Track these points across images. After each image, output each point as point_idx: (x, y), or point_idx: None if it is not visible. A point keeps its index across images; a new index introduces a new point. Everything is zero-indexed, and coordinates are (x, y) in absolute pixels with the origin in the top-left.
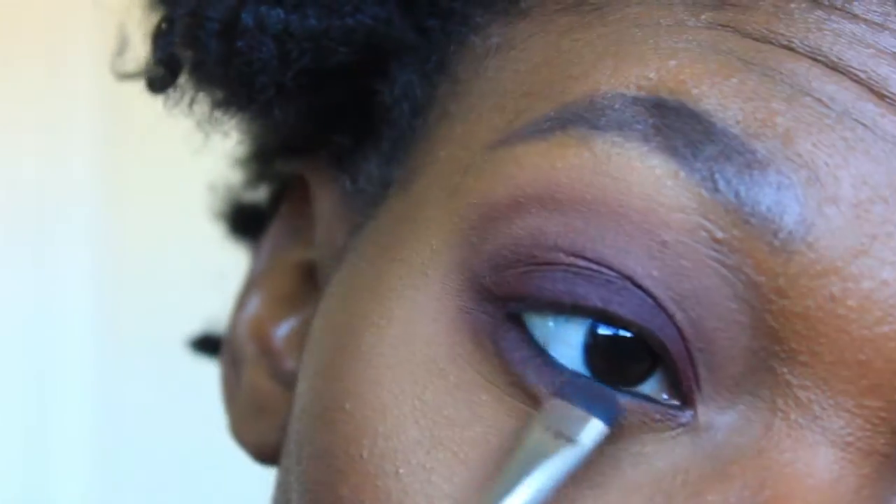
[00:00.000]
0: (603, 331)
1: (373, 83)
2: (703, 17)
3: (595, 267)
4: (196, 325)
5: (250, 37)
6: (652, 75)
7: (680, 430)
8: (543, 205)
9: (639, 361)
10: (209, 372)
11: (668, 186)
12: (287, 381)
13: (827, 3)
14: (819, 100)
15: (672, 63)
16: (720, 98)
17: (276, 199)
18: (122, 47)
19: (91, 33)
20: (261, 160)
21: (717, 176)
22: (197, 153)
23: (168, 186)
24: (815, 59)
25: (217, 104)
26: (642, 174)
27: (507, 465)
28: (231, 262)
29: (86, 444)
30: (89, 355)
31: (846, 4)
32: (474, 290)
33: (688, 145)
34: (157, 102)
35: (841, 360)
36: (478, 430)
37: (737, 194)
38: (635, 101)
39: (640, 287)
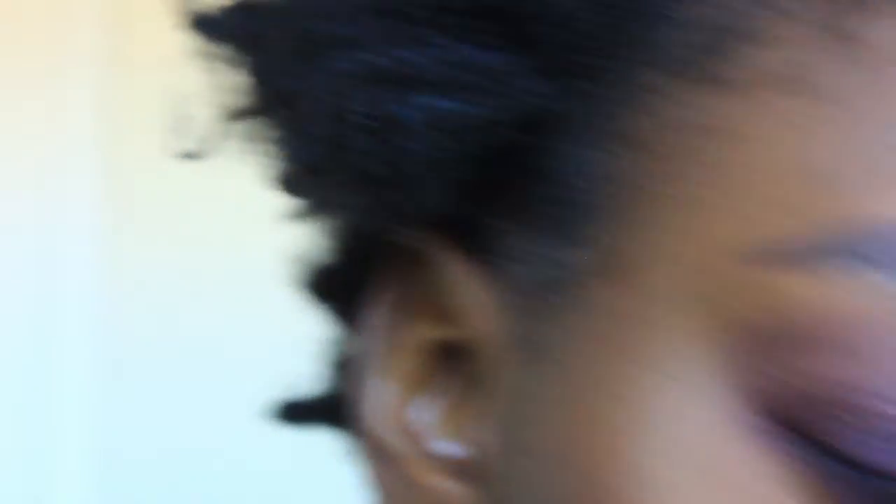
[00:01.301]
0: None
1: (533, 159)
2: None
3: None
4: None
5: (419, 133)
6: None
7: None
8: (847, 349)
9: None
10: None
11: None
12: (454, 471)
13: None
14: None
15: None
16: None
17: (351, 261)
18: (184, 126)
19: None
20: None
21: None
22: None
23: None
24: None
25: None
26: None
27: None
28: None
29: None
30: (89, 364)
31: None
32: (774, 417)
33: None
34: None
35: None
36: None
37: None
38: None
39: None
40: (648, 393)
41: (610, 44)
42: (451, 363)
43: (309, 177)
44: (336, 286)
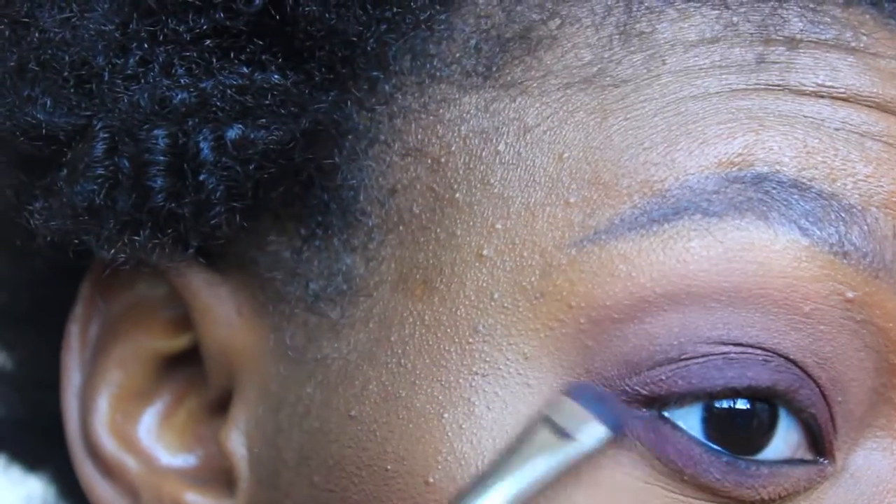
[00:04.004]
0: (720, 405)
1: (323, 177)
2: (749, 79)
3: (750, 350)
4: None
5: (212, 165)
6: (739, 150)
7: (824, 480)
8: (678, 301)
9: (758, 427)
10: None
11: (802, 260)
12: (203, 483)
13: (855, 47)
14: (886, 143)
15: (751, 134)
16: (811, 161)
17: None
18: None
19: None
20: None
21: (843, 240)
22: None
23: None
24: (870, 105)
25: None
26: (775, 253)
27: (509, 456)
28: None
29: None
30: None
31: (870, 47)
32: None
33: (804, 216)
34: None
35: None
36: None
37: (863, 254)
38: (733, 179)
39: (792, 361)
40: (494, 400)
41: (391, 58)
42: (174, 370)
43: (86, 218)
44: (21, 309)
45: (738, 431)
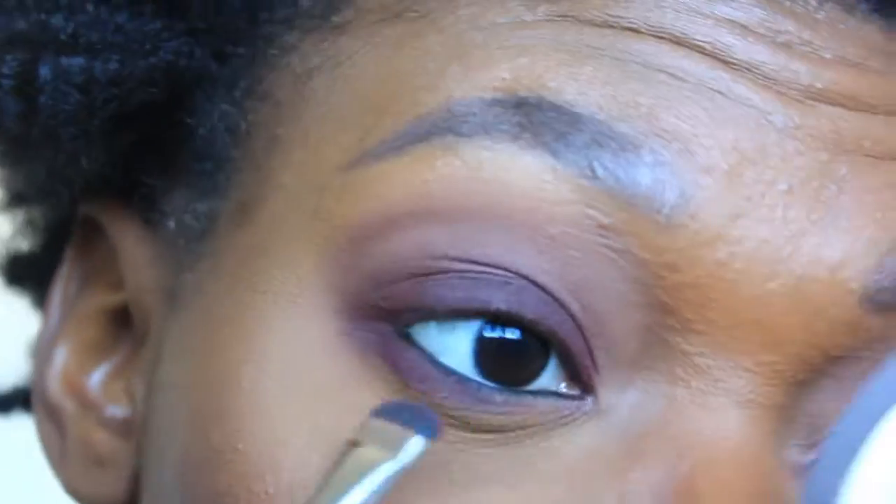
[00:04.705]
0: (489, 334)
1: (179, 117)
2: (539, 10)
3: (490, 270)
4: None
5: (52, 89)
6: (505, 75)
7: (584, 417)
8: (420, 218)
9: (529, 358)
10: None
11: (547, 181)
12: (120, 430)
13: None
14: (673, 75)
15: (523, 60)
16: (578, 87)
17: (53, 246)
18: None
19: None
20: (30, 206)
21: (594, 164)
22: None
23: None
24: (660, 38)
25: (4, 159)
26: (519, 174)
27: (331, 479)
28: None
29: None
30: None
31: None
32: (354, 310)
33: (558, 138)
34: None
35: (735, 322)
36: None
37: (616, 179)
38: (494, 102)
39: (536, 284)
40: (264, 315)
41: (251, 8)
42: (125, 327)
43: None
44: (34, 271)
45: (505, 361)
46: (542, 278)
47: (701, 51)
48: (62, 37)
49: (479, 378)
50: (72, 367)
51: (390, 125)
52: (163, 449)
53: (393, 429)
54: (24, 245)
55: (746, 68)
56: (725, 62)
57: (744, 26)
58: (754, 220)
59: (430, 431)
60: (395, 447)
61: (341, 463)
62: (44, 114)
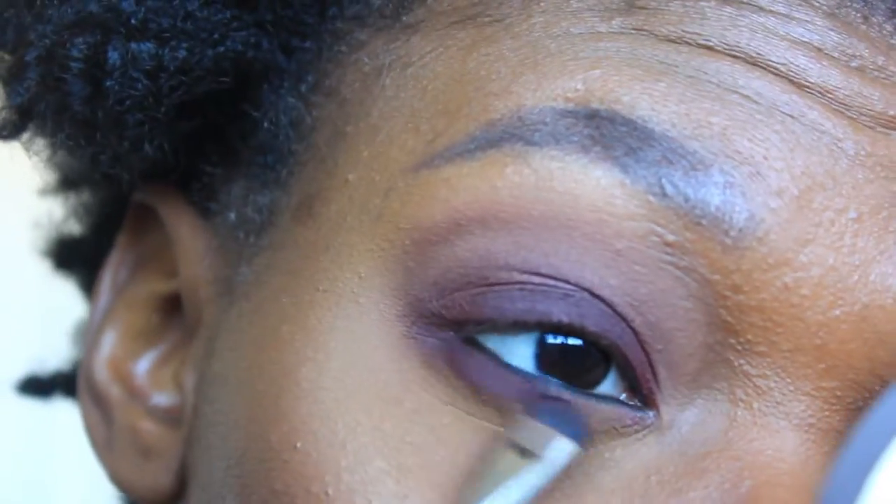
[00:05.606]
0: (552, 340)
1: (244, 108)
2: (614, 22)
3: (552, 282)
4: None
5: (121, 75)
6: (579, 86)
7: (645, 431)
8: (487, 225)
9: (590, 364)
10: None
11: (616, 196)
12: (168, 420)
13: (743, 0)
14: (747, 96)
15: (597, 72)
16: (652, 103)
17: (103, 231)
18: None
19: None
20: (82, 190)
21: (663, 181)
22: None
23: None
24: (734, 57)
25: (68, 142)
26: (588, 186)
27: (475, 483)
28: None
29: None
30: None
31: (762, 3)
32: (418, 315)
33: (629, 153)
34: None
35: (798, 346)
36: (443, 453)
37: (685, 198)
38: (566, 113)
39: (598, 297)
40: (325, 315)
41: (323, 4)
42: (177, 316)
43: (26, 120)
44: (83, 255)
45: (566, 367)
46: (604, 292)
47: (775, 72)
48: (133, 22)
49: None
50: (119, 353)
51: (460, 129)
52: (215, 443)
53: (543, 430)
54: (74, 229)
55: (819, 92)
56: (799, 85)
57: (818, 49)
58: (822, 247)
59: (578, 434)
60: (544, 449)
61: (489, 461)
62: (111, 99)
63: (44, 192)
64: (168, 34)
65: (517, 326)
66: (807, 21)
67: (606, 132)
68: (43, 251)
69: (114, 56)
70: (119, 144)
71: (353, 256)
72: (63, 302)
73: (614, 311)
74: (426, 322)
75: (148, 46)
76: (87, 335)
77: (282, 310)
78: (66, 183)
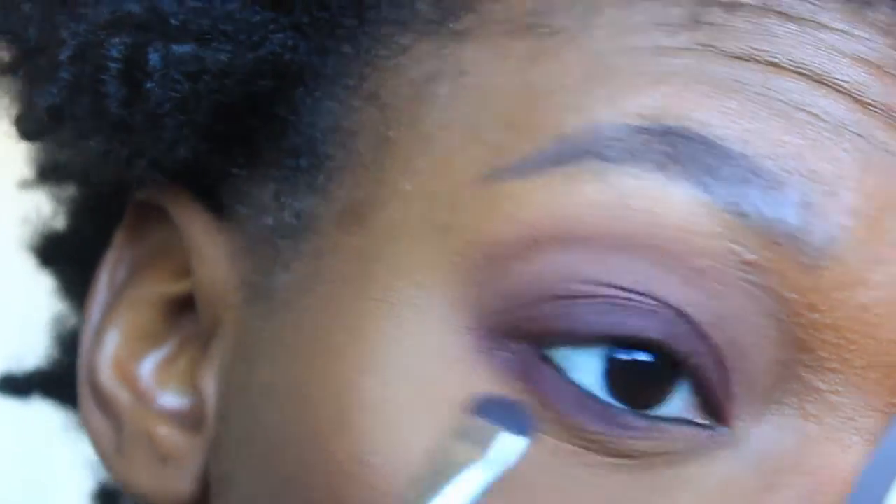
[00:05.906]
0: (621, 356)
1: (277, 111)
2: (680, 38)
3: (637, 297)
4: None
5: (161, 77)
6: (652, 103)
7: (719, 447)
8: (565, 241)
9: (659, 380)
10: None
11: (696, 214)
12: (184, 424)
13: (797, 15)
14: (815, 115)
15: (668, 89)
16: (725, 121)
17: (87, 227)
18: None
19: None
20: (68, 184)
21: (740, 200)
22: None
23: None
24: (800, 74)
25: (102, 145)
26: (668, 205)
27: (424, 480)
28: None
29: None
30: None
31: (815, 16)
32: (489, 328)
33: (706, 172)
34: None
35: (870, 363)
36: (519, 468)
37: (762, 216)
38: (641, 130)
39: (683, 314)
40: (383, 325)
41: (361, 6)
42: (183, 316)
43: (56, 122)
44: (70, 251)
45: (634, 382)
46: (688, 309)
47: (839, 90)
48: (173, 22)
49: (612, 400)
50: (123, 354)
51: (530, 143)
52: (257, 455)
53: (489, 428)
54: (59, 225)
55: (882, 110)
56: (863, 103)
57: (878, 66)
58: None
59: (524, 428)
60: (487, 446)
61: (437, 458)
62: (151, 101)
63: (23, 185)
64: (209, 36)
65: (592, 341)
66: (866, 38)
67: (681, 149)
68: (29, 247)
69: (155, 57)
70: (154, 147)
71: (412, 267)
72: (42, 300)
73: (698, 328)
74: (500, 335)
75: (189, 48)
76: (86, 336)
77: (331, 319)
78: (46, 176)
